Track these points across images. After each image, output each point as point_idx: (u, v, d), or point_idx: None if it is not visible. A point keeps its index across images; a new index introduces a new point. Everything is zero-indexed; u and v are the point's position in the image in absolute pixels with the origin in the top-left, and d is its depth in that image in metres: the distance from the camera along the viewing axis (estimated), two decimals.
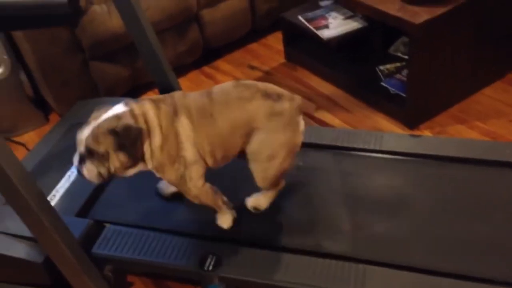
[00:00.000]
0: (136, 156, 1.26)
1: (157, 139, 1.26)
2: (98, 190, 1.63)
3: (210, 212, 1.48)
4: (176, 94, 1.38)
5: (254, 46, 2.86)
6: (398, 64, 2.34)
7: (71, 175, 1.69)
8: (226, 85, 1.37)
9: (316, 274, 1.29)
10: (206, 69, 2.74)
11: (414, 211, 1.47)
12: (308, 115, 2.28)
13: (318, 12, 2.57)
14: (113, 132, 1.21)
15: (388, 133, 1.96)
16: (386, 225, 1.43)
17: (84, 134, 1.24)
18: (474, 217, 1.42)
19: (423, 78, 2.05)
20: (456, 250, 1.34)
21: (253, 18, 2.78)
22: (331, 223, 1.46)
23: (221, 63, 2.76)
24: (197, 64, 2.73)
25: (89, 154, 1.23)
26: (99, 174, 1.25)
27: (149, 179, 1.66)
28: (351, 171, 1.63)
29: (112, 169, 1.25)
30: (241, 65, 2.73)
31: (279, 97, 1.34)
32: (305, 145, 1.72)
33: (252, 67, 2.69)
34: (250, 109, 1.30)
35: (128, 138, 1.21)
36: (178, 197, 1.57)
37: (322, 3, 2.64)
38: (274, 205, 1.49)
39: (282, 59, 2.70)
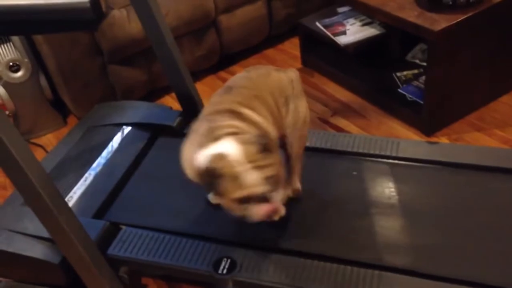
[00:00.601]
0: None
1: None
2: (115, 192, 1.65)
3: (222, 216, 1.48)
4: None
5: (270, 51, 2.87)
6: (415, 71, 2.33)
7: (88, 177, 1.71)
8: (239, 75, 1.44)
9: (331, 280, 1.29)
10: (222, 74, 2.75)
11: (432, 217, 1.45)
12: (324, 121, 2.28)
13: (335, 18, 2.57)
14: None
15: (404, 139, 1.94)
16: (404, 231, 1.42)
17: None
18: (493, 225, 1.40)
19: (441, 85, 2.03)
20: (475, 259, 1.32)
21: (270, 24, 2.79)
22: (348, 229, 1.45)
23: (237, 68, 2.77)
24: (213, 69, 2.75)
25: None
26: None
27: (164, 182, 1.69)
28: (368, 177, 1.62)
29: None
30: None
31: (283, 70, 1.44)
32: (322, 151, 1.74)
33: None
34: (276, 79, 1.38)
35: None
36: (193, 200, 1.58)
37: (340, 9, 2.64)
38: (291, 210, 1.49)
39: (298, 65, 2.70)
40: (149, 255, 1.39)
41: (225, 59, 2.77)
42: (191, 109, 1.95)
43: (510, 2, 1.95)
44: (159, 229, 1.47)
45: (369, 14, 2.42)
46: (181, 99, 1.98)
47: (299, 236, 1.43)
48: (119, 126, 1.94)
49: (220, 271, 1.33)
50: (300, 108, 1.41)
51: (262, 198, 1.17)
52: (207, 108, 1.36)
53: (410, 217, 1.46)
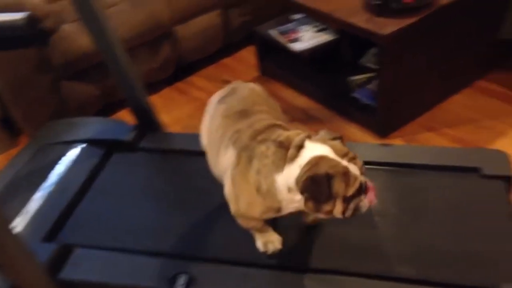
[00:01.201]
0: None
1: None
2: (67, 212, 1.60)
3: (181, 231, 1.46)
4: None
5: (227, 60, 2.87)
6: (369, 75, 2.37)
7: (39, 197, 1.65)
8: (227, 100, 1.35)
9: None
10: (179, 85, 2.73)
11: (389, 218, 1.47)
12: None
13: (290, 25, 2.59)
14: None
15: (359, 143, 1.97)
16: (357, 234, 1.43)
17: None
18: (447, 223, 1.43)
19: (393, 88, 2.07)
20: (428, 257, 1.34)
21: (225, 33, 2.79)
22: (303, 236, 1.45)
23: (194, 79, 2.76)
24: (169, 81, 2.72)
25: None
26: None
27: (119, 198, 1.65)
28: None
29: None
30: (215, 80, 2.73)
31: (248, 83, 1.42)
32: None
33: (227, 82, 2.68)
34: (260, 92, 1.40)
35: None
36: (149, 216, 1.55)
37: (294, 17, 2.66)
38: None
39: (256, 73, 2.71)
40: (103, 275, 1.35)
41: (182, 69, 2.75)
42: (147, 122, 1.93)
43: (454, 6, 2.00)
44: (114, 248, 1.44)
45: (322, 21, 2.45)
46: (136, 112, 1.95)
47: (253, 246, 1.42)
48: (72, 143, 1.89)
49: (176, 287, 1.31)
50: None
51: (363, 187, 1.15)
52: (240, 140, 1.20)
53: (369, 219, 1.47)
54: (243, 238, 1.43)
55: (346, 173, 1.09)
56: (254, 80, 2.67)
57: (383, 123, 2.13)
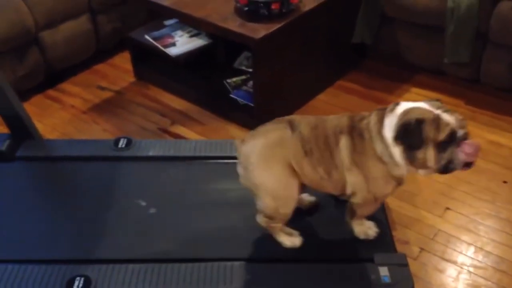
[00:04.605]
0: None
1: None
2: None
3: (71, 234, 1.45)
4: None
5: (100, 66, 2.81)
6: (243, 77, 2.51)
7: None
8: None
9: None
10: (51, 92, 2.61)
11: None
12: (164, 130, 2.33)
13: (164, 30, 2.64)
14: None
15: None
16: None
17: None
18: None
19: (266, 87, 2.23)
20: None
21: (97, 38, 2.74)
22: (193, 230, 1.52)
23: (67, 86, 2.67)
24: (40, 88, 2.60)
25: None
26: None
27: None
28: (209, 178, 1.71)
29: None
30: (90, 86, 2.66)
31: None
32: (164, 159, 1.79)
33: (102, 88, 2.65)
34: None
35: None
36: (35, 224, 1.50)
37: (167, 22, 2.71)
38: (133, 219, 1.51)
39: (132, 78, 2.70)
40: None
41: (53, 77, 2.64)
42: (21, 130, 1.84)
43: (314, 13, 2.23)
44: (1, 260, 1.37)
45: (195, 26, 2.54)
46: (8, 121, 1.86)
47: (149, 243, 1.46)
48: None
49: None
50: None
51: (463, 139, 1.20)
52: (343, 126, 1.34)
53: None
54: (141, 235, 1.46)
55: (436, 119, 1.20)
56: (130, 85, 2.67)
57: (260, 121, 2.27)
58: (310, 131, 1.35)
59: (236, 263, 1.40)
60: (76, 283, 1.31)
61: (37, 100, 2.56)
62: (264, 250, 1.46)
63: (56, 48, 2.56)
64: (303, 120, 1.40)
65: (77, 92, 2.62)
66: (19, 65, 2.43)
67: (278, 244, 1.45)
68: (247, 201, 1.44)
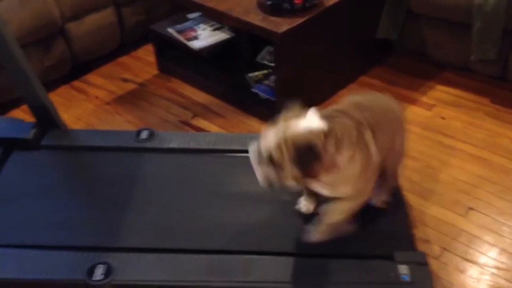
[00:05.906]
0: (309, 174, 1.27)
1: (345, 154, 1.27)
2: None
3: (93, 223, 1.47)
4: (350, 109, 1.43)
5: (125, 59, 2.84)
6: (265, 71, 2.51)
7: None
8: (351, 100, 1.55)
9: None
10: (76, 83, 2.66)
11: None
12: (185, 123, 2.34)
13: (187, 24, 2.65)
14: (298, 149, 1.21)
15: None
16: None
17: (270, 139, 1.24)
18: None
19: (288, 82, 2.23)
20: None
21: (121, 31, 2.77)
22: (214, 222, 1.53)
23: (92, 77, 2.70)
24: (66, 79, 2.64)
25: (269, 159, 1.23)
26: (269, 180, 1.26)
27: (24, 196, 1.60)
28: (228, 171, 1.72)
29: (283, 180, 1.25)
30: (114, 78, 2.70)
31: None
32: (185, 151, 1.81)
33: (126, 80, 2.68)
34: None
35: (309, 158, 1.22)
36: (59, 212, 1.53)
37: (190, 16, 2.73)
38: (162, 210, 1.53)
39: (155, 71, 2.73)
40: (19, 273, 1.31)
41: (79, 68, 2.68)
42: (46, 119, 1.87)
43: (337, 7, 2.21)
44: (24, 246, 1.40)
45: (218, 19, 2.54)
46: (35, 110, 1.89)
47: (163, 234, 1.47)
48: None
49: (95, 278, 1.31)
50: None
51: None
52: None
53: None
54: (162, 225, 1.48)
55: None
56: (153, 77, 2.69)
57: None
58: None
59: (256, 257, 1.40)
60: (98, 270, 1.33)
61: (63, 91, 2.60)
62: (283, 243, 1.46)
63: (81, 40, 2.60)
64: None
65: (101, 84, 2.65)
66: (46, 56, 2.47)
67: (296, 239, 1.45)
68: (265, 195, 1.44)
